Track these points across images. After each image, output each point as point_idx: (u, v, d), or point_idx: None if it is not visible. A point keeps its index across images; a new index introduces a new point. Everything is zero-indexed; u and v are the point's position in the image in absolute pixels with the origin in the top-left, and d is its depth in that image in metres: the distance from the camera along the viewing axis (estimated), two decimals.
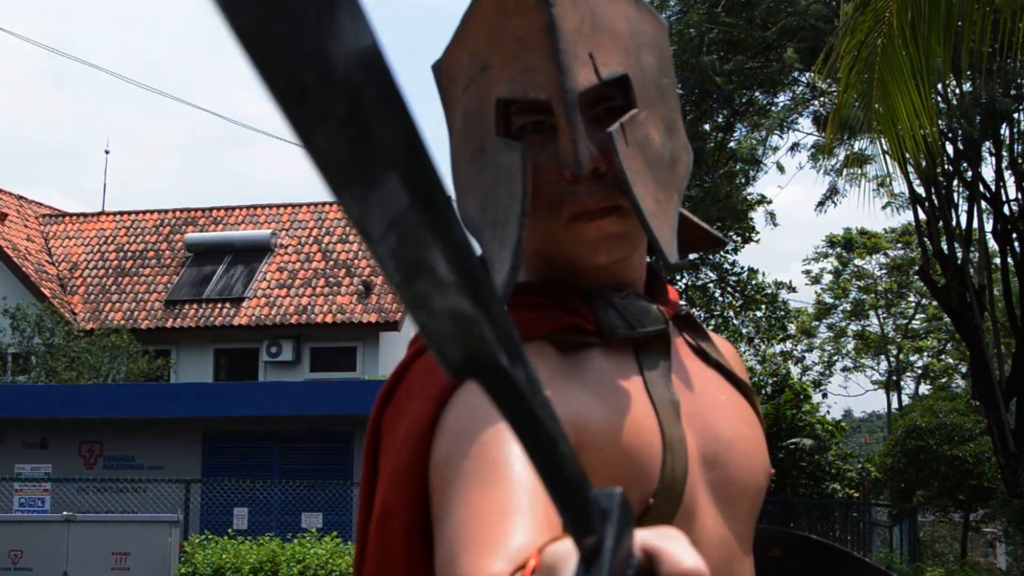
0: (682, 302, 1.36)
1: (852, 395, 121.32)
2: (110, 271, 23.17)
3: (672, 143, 1.23)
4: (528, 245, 1.20)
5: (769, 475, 1.27)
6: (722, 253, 24.63)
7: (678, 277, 24.31)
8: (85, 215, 25.16)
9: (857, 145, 10.69)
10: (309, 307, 21.17)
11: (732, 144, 16.37)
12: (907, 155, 5.90)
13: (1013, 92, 14.63)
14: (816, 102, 15.43)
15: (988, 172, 21.74)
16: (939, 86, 13.17)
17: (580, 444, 1.09)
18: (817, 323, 36.67)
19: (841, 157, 13.64)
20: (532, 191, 1.15)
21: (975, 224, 17.07)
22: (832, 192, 16.61)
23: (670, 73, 1.27)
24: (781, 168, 17.22)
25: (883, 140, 6.17)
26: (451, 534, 1.00)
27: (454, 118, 1.25)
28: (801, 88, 15.40)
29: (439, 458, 1.10)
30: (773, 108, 15.79)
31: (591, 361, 1.19)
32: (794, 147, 16.09)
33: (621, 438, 1.14)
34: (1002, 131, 15.89)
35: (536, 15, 1.13)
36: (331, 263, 22.11)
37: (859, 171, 12.21)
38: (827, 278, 36.18)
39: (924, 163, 15.19)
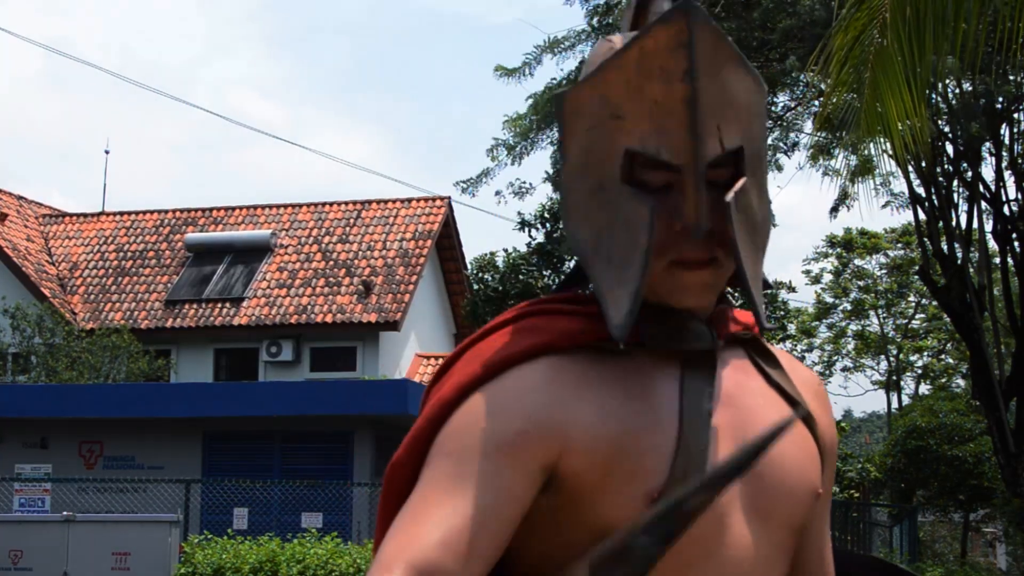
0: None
1: (852, 395, 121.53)
2: (110, 271, 23.17)
3: (762, 206, 1.36)
4: None
5: (815, 494, 1.37)
6: None
7: None
8: (85, 215, 25.17)
9: (856, 145, 10.66)
10: (309, 307, 21.17)
11: None
12: (899, 154, 5.89)
13: (1014, 91, 14.62)
14: (817, 102, 15.42)
15: (988, 172, 21.73)
16: (939, 86, 13.16)
17: (565, 448, 1.27)
18: (817, 323, 36.67)
19: (840, 158, 13.63)
20: None
21: (975, 224, 17.06)
22: (844, 196, 16.57)
23: (765, 137, 1.40)
24: (779, 167, 17.11)
25: (883, 140, 6.16)
26: (402, 513, 1.25)
27: (571, 149, 1.35)
28: (801, 88, 15.38)
29: (439, 438, 1.29)
30: (773, 108, 15.78)
31: (629, 367, 1.33)
32: (794, 147, 16.04)
33: (618, 438, 1.27)
34: (1002, 131, 15.87)
35: (680, 87, 1.25)
36: (331, 263, 22.12)
37: (863, 175, 12.20)
38: (827, 278, 36.18)
39: (924, 163, 15.19)
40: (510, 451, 1.25)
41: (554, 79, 15.23)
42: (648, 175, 1.28)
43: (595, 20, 15.17)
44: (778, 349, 1.47)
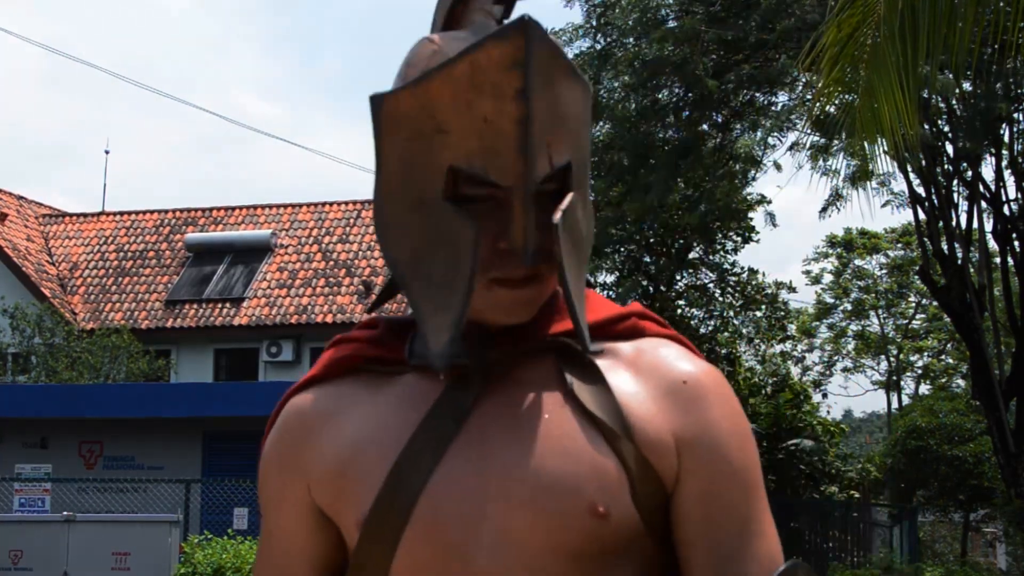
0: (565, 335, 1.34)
1: (852, 395, 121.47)
2: (110, 271, 23.17)
3: (586, 217, 1.29)
4: None
5: (594, 514, 1.20)
6: (722, 253, 24.64)
7: (678, 277, 24.30)
8: (85, 215, 25.17)
9: (852, 145, 10.67)
10: (309, 307, 21.17)
11: (732, 143, 16.35)
12: (894, 155, 5.88)
13: (1012, 94, 14.61)
14: (818, 104, 15.33)
15: (988, 172, 21.74)
16: (938, 86, 13.14)
17: (310, 486, 1.30)
18: (817, 323, 36.68)
19: (840, 158, 13.63)
20: None
21: (975, 224, 17.06)
22: (836, 197, 16.51)
23: (589, 144, 1.32)
24: (778, 166, 17.05)
25: (880, 140, 6.15)
26: (255, 564, 1.40)
27: (388, 158, 1.27)
28: (801, 88, 15.38)
29: None
30: (773, 108, 15.79)
31: (393, 390, 1.30)
32: (794, 147, 16.04)
33: (341, 467, 1.27)
34: (1002, 131, 15.86)
35: (512, 107, 1.17)
36: (331, 263, 22.12)
37: (861, 180, 12.19)
38: (827, 278, 36.21)
39: (923, 163, 15.19)
40: (283, 506, 1.32)
41: None
42: (472, 191, 1.22)
43: (593, 20, 15.20)
44: (653, 341, 1.33)
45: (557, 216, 1.21)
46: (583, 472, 1.21)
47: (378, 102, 1.26)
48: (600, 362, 1.29)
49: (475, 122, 1.19)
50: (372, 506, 1.22)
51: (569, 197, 1.23)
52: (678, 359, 1.31)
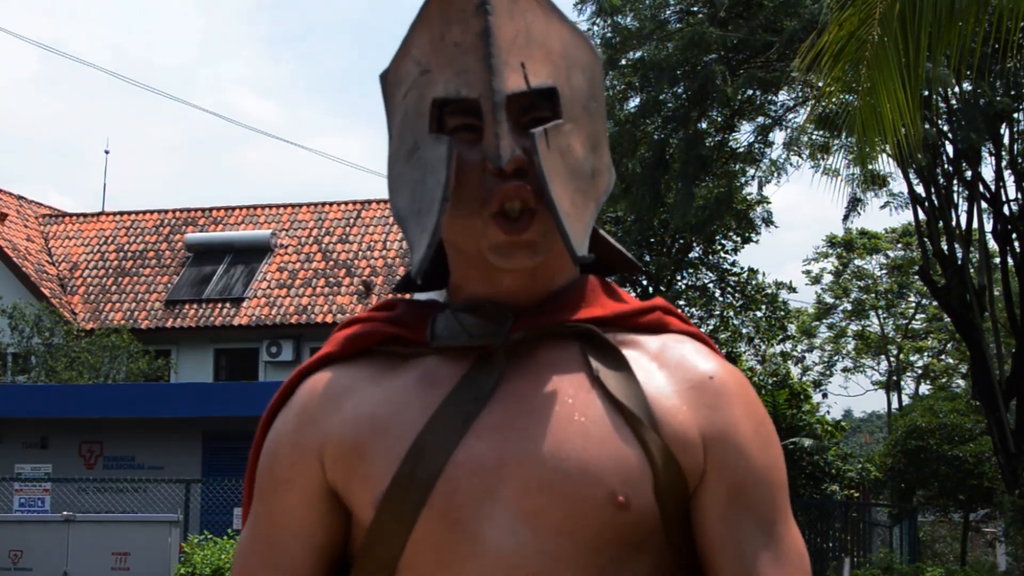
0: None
1: (852, 395, 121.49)
2: (110, 271, 23.17)
3: (595, 160, 1.29)
4: (453, 243, 1.28)
5: (614, 502, 1.19)
6: (722, 254, 24.64)
7: (678, 277, 24.29)
8: (85, 215, 25.17)
9: (854, 146, 10.67)
10: (309, 307, 21.17)
11: (732, 144, 16.34)
12: (895, 154, 5.88)
13: (1012, 92, 14.61)
14: (819, 102, 15.31)
15: (988, 172, 21.74)
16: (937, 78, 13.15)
17: (322, 462, 1.27)
18: (817, 323, 36.70)
19: (839, 157, 13.62)
20: (458, 187, 1.21)
21: (975, 224, 17.06)
22: (855, 204, 16.48)
23: (600, 100, 1.33)
24: (775, 165, 17.02)
25: (879, 140, 6.14)
26: (237, 551, 1.35)
27: (393, 121, 1.32)
28: (801, 86, 15.37)
29: (258, 467, 1.35)
30: (772, 107, 15.79)
31: (410, 369, 1.29)
32: (792, 143, 16.03)
33: (357, 445, 1.25)
34: (1002, 131, 15.87)
35: (474, 22, 1.21)
36: (331, 263, 22.11)
37: (875, 185, 12.19)
38: (827, 278, 36.23)
39: (923, 162, 15.18)
40: (294, 485, 1.29)
41: None
42: (455, 121, 1.23)
43: (597, 22, 15.22)
44: (677, 337, 1.31)
45: (537, 129, 1.20)
46: (605, 459, 1.20)
47: (383, 76, 1.32)
48: (625, 352, 1.28)
49: (448, 50, 1.23)
50: (390, 484, 1.21)
51: (558, 121, 1.23)
52: (703, 356, 1.30)
